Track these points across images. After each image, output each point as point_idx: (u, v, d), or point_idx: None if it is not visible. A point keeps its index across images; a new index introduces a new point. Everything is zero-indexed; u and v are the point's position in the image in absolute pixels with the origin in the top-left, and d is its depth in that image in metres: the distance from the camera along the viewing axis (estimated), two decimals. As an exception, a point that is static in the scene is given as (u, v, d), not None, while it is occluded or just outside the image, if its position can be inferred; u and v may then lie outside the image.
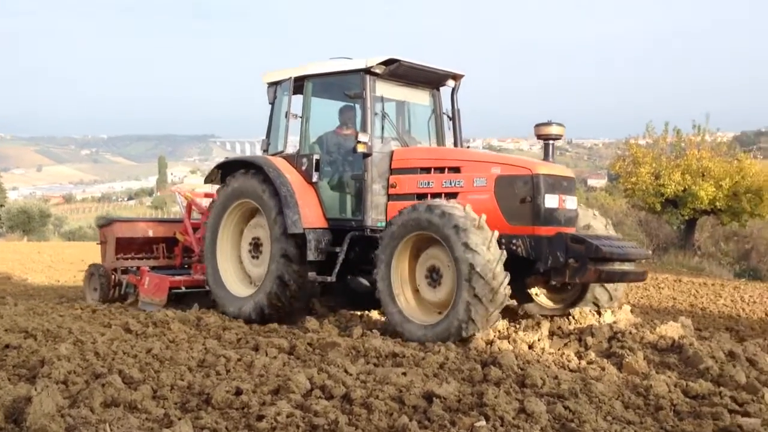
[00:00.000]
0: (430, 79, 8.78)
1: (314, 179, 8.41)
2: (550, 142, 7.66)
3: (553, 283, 7.28)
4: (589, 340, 6.71)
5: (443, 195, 7.55)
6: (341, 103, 8.92)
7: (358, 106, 8.51)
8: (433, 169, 7.82)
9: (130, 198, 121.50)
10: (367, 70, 8.06)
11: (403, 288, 7.33)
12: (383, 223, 7.93)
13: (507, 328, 7.35)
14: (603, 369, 5.77)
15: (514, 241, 7.06)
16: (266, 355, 6.12)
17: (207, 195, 10.87)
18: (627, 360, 5.90)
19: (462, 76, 8.83)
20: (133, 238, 10.85)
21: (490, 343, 6.54)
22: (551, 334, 7.02)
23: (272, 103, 9.00)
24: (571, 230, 7.33)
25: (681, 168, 22.79)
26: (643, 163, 22.94)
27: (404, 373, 5.36)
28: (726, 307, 10.93)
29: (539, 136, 7.62)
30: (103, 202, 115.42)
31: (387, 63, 8.06)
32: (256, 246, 8.82)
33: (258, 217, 8.80)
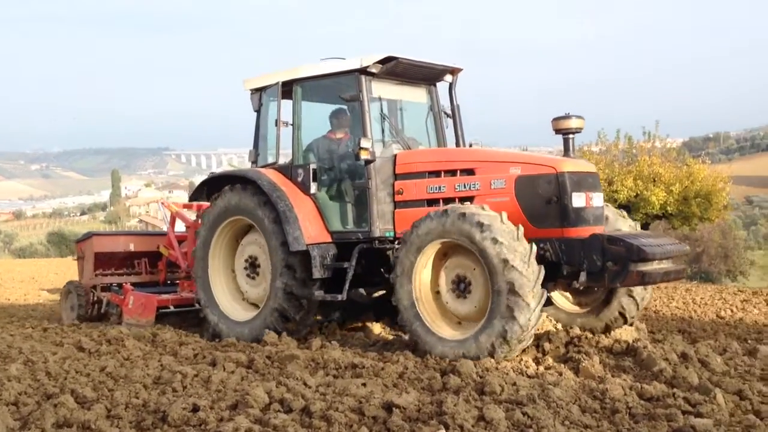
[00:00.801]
0: (427, 76, 8.30)
1: (312, 190, 7.90)
2: (570, 136, 7.16)
3: (577, 286, 6.78)
4: (547, 345, 6.79)
5: (457, 200, 7.07)
6: (329, 107, 8.43)
7: (348, 109, 8.11)
8: (443, 172, 7.32)
9: (82, 213, 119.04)
10: (363, 70, 7.56)
11: (425, 298, 6.80)
12: (391, 233, 7.50)
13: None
14: (560, 374, 5.85)
15: (541, 246, 6.53)
16: (224, 369, 6.04)
17: (186, 206, 10.48)
18: (583, 365, 5.99)
19: (460, 70, 8.35)
20: (113, 252, 10.25)
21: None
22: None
23: (258, 111, 8.49)
24: (600, 229, 6.90)
25: (633, 174, 23.25)
26: (596, 170, 23.32)
27: (364, 384, 5.35)
28: (678, 309, 11.16)
29: (558, 131, 7.12)
30: (55, 218, 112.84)
31: (384, 61, 7.57)
32: (252, 265, 8.27)
33: (252, 234, 8.28)
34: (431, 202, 7.27)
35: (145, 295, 9.04)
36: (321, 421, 4.48)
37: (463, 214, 6.39)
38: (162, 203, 10.96)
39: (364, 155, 7.32)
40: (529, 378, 5.70)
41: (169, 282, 10.25)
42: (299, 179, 7.98)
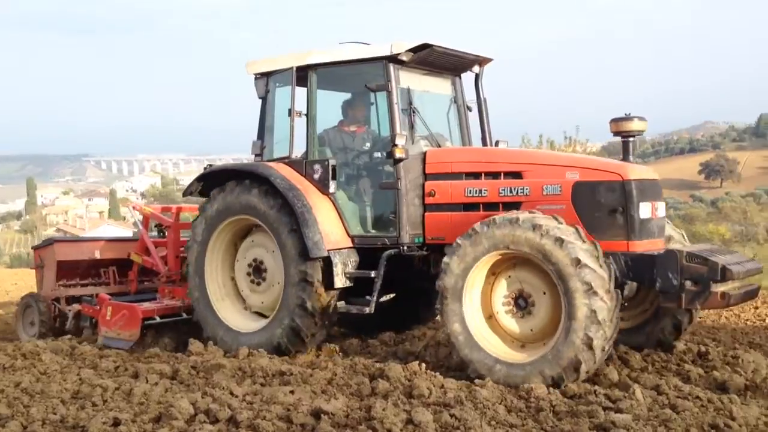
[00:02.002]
0: (456, 66, 7.62)
1: (332, 189, 7.13)
2: (630, 139, 6.54)
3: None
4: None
5: (501, 205, 6.45)
6: (336, 95, 7.84)
7: (363, 99, 7.58)
8: (483, 174, 6.67)
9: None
10: (393, 58, 6.86)
11: (474, 311, 6.11)
12: (420, 239, 6.85)
13: (393, 339, 7.43)
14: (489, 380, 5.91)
15: (604, 260, 5.81)
16: (147, 381, 5.87)
17: (165, 209, 9.60)
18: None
19: (490, 60, 7.70)
20: (77, 261, 9.26)
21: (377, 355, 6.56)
22: (437, 343, 7.13)
23: (263, 98, 7.62)
24: (662, 243, 6.41)
25: (555, 178, 23.74)
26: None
27: (292, 392, 5.30)
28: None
29: (617, 133, 6.53)
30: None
31: (417, 49, 6.90)
32: (257, 270, 7.47)
33: (256, 235, 7.51)
34: (469, 207, 6.64)
35: (127, 305, 8.08)
36: (248, 431, 4.41)
37: (538, 226, 5.72)
38: (133, 207, 10.09)
39: (398, 153, 6.67)
40: (456, 380, 5.76)
41: (140, 293, 9.26)
42: (315, 176, 7.19)
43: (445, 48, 7.08)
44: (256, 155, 7.69)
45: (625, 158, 6.56)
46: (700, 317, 9.23)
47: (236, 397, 5.22)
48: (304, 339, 6.97)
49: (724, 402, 4.94)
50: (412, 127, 7.02)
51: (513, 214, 5.95)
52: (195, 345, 7.27)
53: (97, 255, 9.41)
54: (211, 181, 7.68)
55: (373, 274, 6.78)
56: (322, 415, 4.66)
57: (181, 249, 8.64)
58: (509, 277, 6.09)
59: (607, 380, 5.70)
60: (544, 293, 5.91)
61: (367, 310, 6.80)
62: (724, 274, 5.57)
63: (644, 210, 6.10)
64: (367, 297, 6.80)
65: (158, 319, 7.95)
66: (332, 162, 7.14)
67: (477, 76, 7.76)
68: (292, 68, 7.31)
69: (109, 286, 9.32)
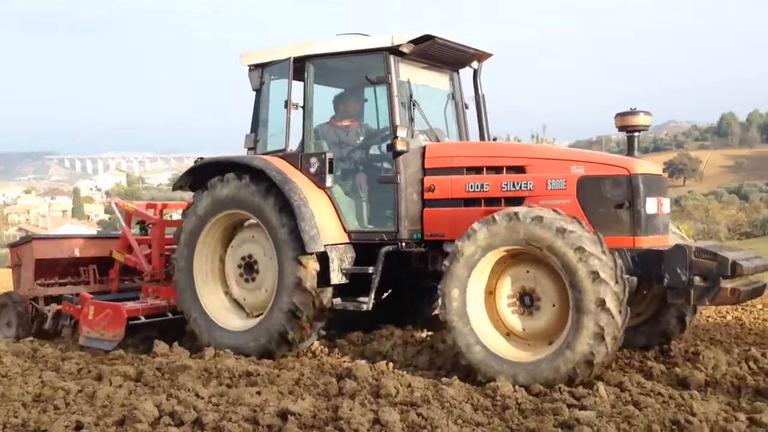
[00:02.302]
0: (456, 60, 7.51)
1: (328, 183, 6.99)
2: (636, 134, 6.48)
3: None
4: (441, 346, 6.89)
5: (503, 200, 6.38)
6: (328, 88, 7.66)
7: (354, 94, 7.45)
8: (485, 169, 6.55)
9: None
10: (394, 49, 6.74)
11: (478, 310, 5.98)
12: (419, 235, 6.72)
13: (361, 339, 7.41)
14: (454, 374, 5.96)
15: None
16: (110, 384, 5.79)
17: (149, 206, 9.32)
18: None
19: (490, 55, 7.58)
20: (56, 259, 8.92)
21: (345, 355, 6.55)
22: (405, 342, 7.15)
23: (258, 90, 7.48)
24: (666, 239, 6.35)
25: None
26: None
27: (258, 393, 5.27)
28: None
29: (622, 128, 6.47)
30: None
31: (418, 41, 6.78)
32: (249, 266, 7.30)
33: (247, 230, 7.36)
34: (470, 202, 6.54)
35: (110, 305, 7.81)
36: (214, 433, 4.38)
37: (540, 218, 5.60)
38: (116, 203, 9.71)
39: (400, 146, 6.55)
40: (424, 379, 5.78)
41: (122, 291, 8.99)
42: (311, 170, 7.06)
43: (447, 40, 6.97)
44: (249, 148, 7.52)
45: (630, 153, 6.50)
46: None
47: (202, 398, 5.18)
48: (293, 341, 6.82)
49: (685, 398, 5.02)
50: (412, 120, 6.90)
51: (514, 208, 5.84)
52: (160, 346, 7.18)
53: (77, 253, 9.11)
54: (203, 174, 7.47)
55: (371, 270, 6.65)
56: (288, 416, 4.64)
57: (166, 247, 8.49)
58: (510, 274, 5.98)
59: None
60: (551, 291, 5.77)
61: (364, 307, 6.67)
62: (734, 270, 5.49)
63: (650, 205, 6.05)
64: (360, 298, 6.76)
65: (143, 319, 7.73)
66: (330, 156, 7.01)
67: (475, 72, 7.69)
68: (289, 59, 7.17)
69: (89, 285, 9.04)
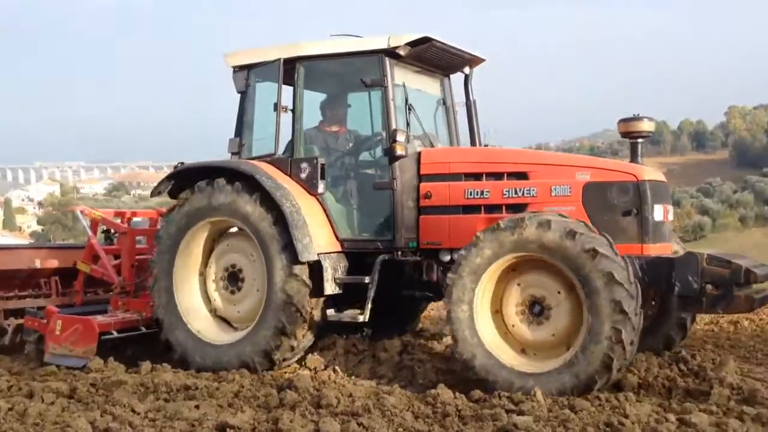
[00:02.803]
0: (450, 64, 7.35)
1: (320, 190, 6.74)
2: (640, 140, 6.34)
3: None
4: (382, 355, 6.92)
5: (504, 207, 6.21)
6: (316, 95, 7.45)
7: (343, 97, 7.30)
8: (484, 175, 6.39)
9: None
10: (390, 52, 6.55)
11: (486, 321, 5.81)
12: (414, 243, 6.49)
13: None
14: (395, 382, 5.99)
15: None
16: (42, 401, 5.60)
17: (117, 213, 8.88)
18: (417, 371, 6.15)
19: (483, 60, 7.44)
20: (15, 270, 8.29)
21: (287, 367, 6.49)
22: (346, 352, 7.15)
23: (243, 93, 7.17)
24: (671, 247, 6.27)
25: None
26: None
27: (197, 406, 5.19)
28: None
29: (625, 134, 6.33)
30: None
31: (415, 43, 6.60)
32: (233, 277, 6.96)
33: (231, 238, 7.04)
34: (469, 209, 6.35)
35: (80, 319, 7.28)
36: (150, 449, 4.30)
37: (548, 222, 5.47)
38: (81, 211, 8.97)
39: (399, 150, 6.33)
40: (365, 388, 5.79)
41: (85, 305, 8.39)
42: (302, 176, 6.78)
43: (444, 43, 6.81)
44: (233, 153, 7.21)
45: (634, 160, 6.37)
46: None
47: (138, 414, 5.07)
48: (278, 361, 6.55)
49: (620, 400, 5.16)
50: (408, 125, 6.72)
51: (520, 214, 5.74)
52: (95, 362, 6.97)
53: (38, 264, 8.49)
54: (184, 180, 7.13)
55: (367, 279, 6.41)
56: (227, 429, 4.59)
57: (137, 257, 8.11)
58: (518, 282, 5.80)
59: (511, 383, 5.87)
60: (563, 300, 5.63)
61: (360, 318, 6.43)
62: (748, 277, 5.43)
63: (658, 212, 5.94)
64: (351, 310, 6.56)
65: (115, 334, 7.24)
66: (322, 161, 6.76)
67: (467, 77, 7.55)
68: (279, 60, 6.90)
69: (51, 298, 8.45)
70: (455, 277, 5.73)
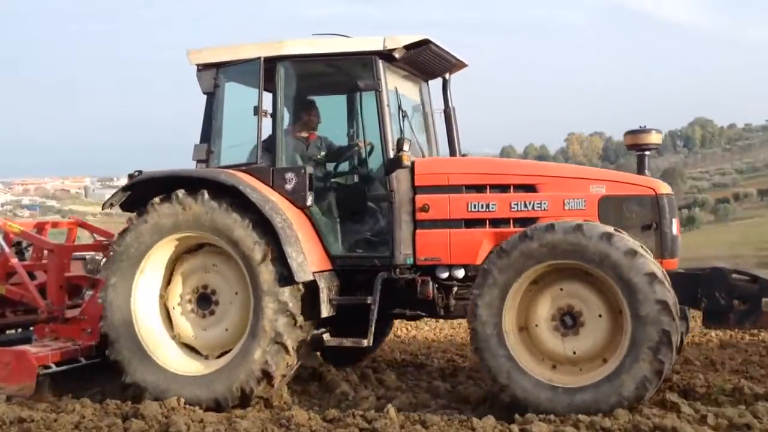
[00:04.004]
0: (435, 69, 6.93)
1: (308, 202, 6.16)
2: (647, 153, 6.23)
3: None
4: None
5: (512, 221, 5.88)
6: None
7: (323, 100, 6.85)
8: (488, 187, 6.03)
9: None
10: (385, 54, 6.13)
11: (517, 338, 5.51)
12: (411, 259, 6.02)
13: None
14: (250, 407, 5.87)
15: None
16: None
17: (38, 225, 7.70)
18: (272, 396, 6.05)
19: (465, 65, 7.06)
20: None
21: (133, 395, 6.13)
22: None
23: (211, 94, 6.49)
24: (677, 261, 6.08)
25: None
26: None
27: (32, 441, 4.83)
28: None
29: (632, 146, 6.21)
30: None
31: (413, 46, 6.18)
32: (203, 298, 6.21)
33: (201, 256, 6.28)
34: (472, 223, 5.97)
35: (12, 351, 6.27)
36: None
37: (580, 226, 5.27)
38: None
39: (406, 161, 5.88)
40: (216, 413, 5.64)
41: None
42: (287, 187, 6.16)
43: (440, 47, 6.45)
44: (198, 161, 6.51)
45: (641, 172, 6.25)
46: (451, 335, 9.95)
47: (-37, 453, 4.66)
48: (284, 374, 5.96)
49: (467, 414, 5.37)
50: (402, 132, 6.32)
51: (550, 222, 5.47)
52: None
53: None
54: (142, 191, 6.34)
55: (369, 300, 5.89)
56: (66, 465, 4.31)
57: (66, 276, 7.05)
58: (551, 292, 5.56)
59: (365, 401, 5.95)
60: (600, 314, 5.42)
61: (365, 342, 5.87)
62: None
63: (674, 226, 5.85)
64: (351, 338, 6.05)
65: (54, 368, 6.28)
66: (310, 171, 6.20)
67: (445, 83, 7.17)
68: (259, 59, 6.31)
69: None
70: (480, 293, 5.47)
